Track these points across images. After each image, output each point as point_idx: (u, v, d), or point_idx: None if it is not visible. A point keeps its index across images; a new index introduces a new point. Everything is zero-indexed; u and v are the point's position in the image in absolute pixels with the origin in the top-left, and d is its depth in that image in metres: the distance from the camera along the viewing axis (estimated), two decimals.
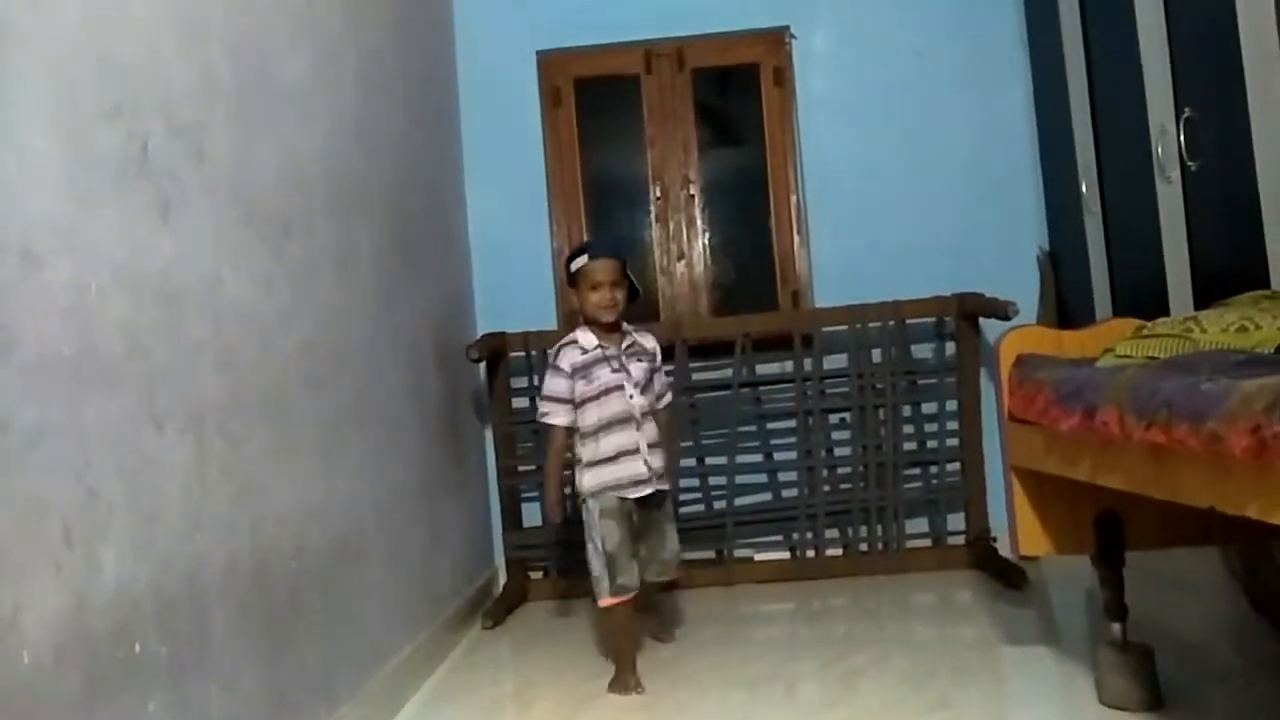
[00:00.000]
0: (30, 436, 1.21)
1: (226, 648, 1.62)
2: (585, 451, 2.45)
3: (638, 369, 2.46)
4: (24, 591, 1.17)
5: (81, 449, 1.31)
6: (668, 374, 2.73)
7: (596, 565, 2.43)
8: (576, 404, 2.45)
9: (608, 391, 2.43)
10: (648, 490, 2.44)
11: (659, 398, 2.56)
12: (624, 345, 2.48)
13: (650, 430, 2.46)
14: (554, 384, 2.47)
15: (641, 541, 2.48)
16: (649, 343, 2.55)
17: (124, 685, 1.34)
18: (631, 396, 2.43)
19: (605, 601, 2.43)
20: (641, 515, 2.47)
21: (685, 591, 3.20)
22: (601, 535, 2.41)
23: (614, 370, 2.44)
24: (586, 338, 2.46)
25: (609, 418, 2.43)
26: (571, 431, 2.48)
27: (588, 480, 2.44)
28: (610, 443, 2.42)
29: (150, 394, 1.48)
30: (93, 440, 1.33)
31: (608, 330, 2.48)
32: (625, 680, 2.39)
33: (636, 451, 2.42)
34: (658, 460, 2.46)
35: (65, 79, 1.35)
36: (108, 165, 1.43)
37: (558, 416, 2.47)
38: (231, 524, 1.68)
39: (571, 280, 2.49)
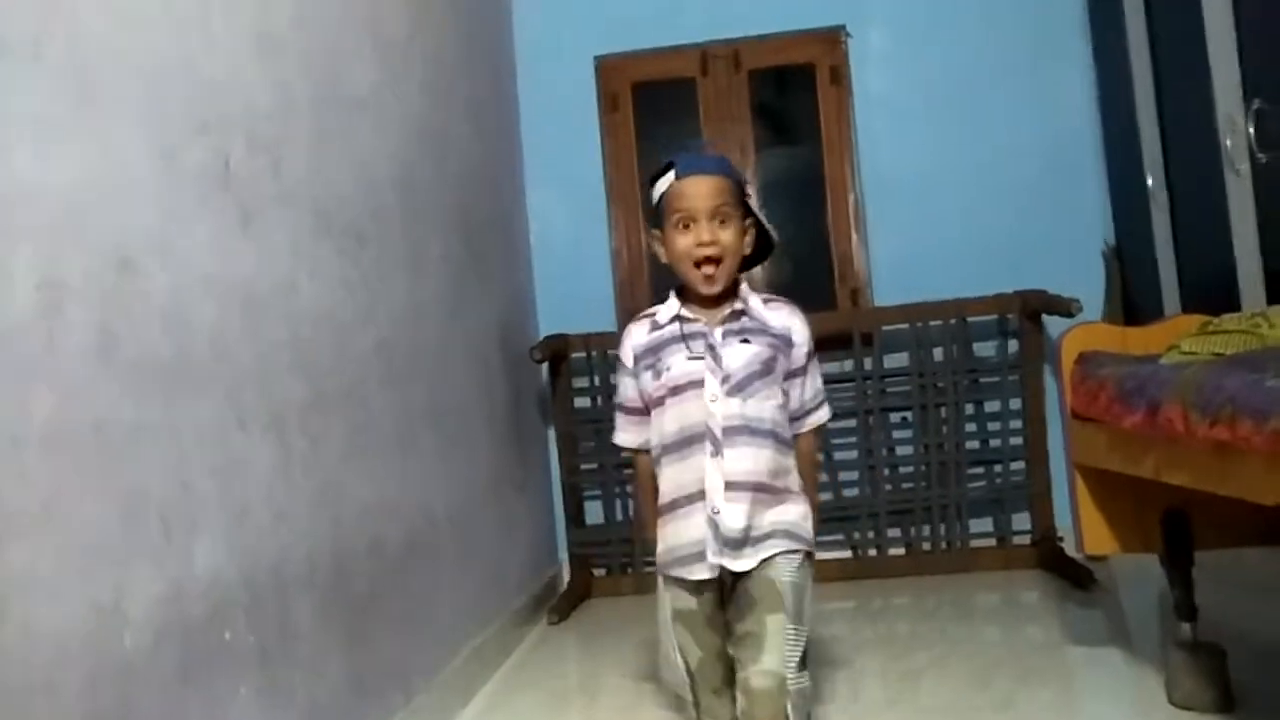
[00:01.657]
0: (130, 434, 1.29)
1: (310, 637, 1.70)
2: (660, 496, 1.59)
3: (738, 355, 1.52)
4: (126, 578, 1.26)
5: (176, 447, 1.39)
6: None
7: (670, 673, 1.61)
8: (650, 407, 1.61)
9: (678, 390, 1.53)
10: (706, 574, 1.50)
11: (802, 413, 1.62)
12: (723, 317, 1.56)
13: (744, 460, 1.50)
14: (619, 385, 1.67)
15: (733, 626, 1.54)
16: (779, 319, 1.57)
17: (217, 670, 1.42)
18: (713, 399, 1.50)
19: None
20: (735, 597, 1.54)
21: None
22: (678, 644, 1.58)
23: (691, 356, 1.53)
24: (668, 306, 1.60)
25: (674, 435, 1.54)
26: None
27: (659, 545, 1.59)
28: (670, 478, 1.54)
29: (237, 395, 1.56)
30: (186, 439, 1.41)
31: (709, 299, 1.56)
32: None
33: (700, 498, 1.49)
34: (742, 516, 1.48)
35: (157, 96, 1.43)
36: (195, 179, 1.52)
37: (625, 434, 1.67)
38: (313, 519, 1.76)
39: (656, 219, 1.60)
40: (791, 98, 3.90)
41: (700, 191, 1.52)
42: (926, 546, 3.39)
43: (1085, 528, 2.14)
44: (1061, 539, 3.20)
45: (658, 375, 1.56)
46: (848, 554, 3.44)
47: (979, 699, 2.17)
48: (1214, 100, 2.48)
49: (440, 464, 2.47)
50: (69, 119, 1.25)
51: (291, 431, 1.72)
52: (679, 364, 1.54)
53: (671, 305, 1.60)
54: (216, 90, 1.60)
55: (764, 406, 1.53)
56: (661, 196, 1.57)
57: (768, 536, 1.50)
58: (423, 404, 2.39)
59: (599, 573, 3.52)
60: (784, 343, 1.57)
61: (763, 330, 1.55)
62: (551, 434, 3.58)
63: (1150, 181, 3.01)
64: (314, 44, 1.99)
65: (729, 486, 1.48)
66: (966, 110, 3.59)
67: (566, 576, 3.52)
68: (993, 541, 3.38)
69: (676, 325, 1.57)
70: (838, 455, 3.47)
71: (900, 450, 3.44)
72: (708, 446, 1.49)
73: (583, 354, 3.48)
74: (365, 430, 2.04)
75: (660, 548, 1.57)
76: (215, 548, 1.45)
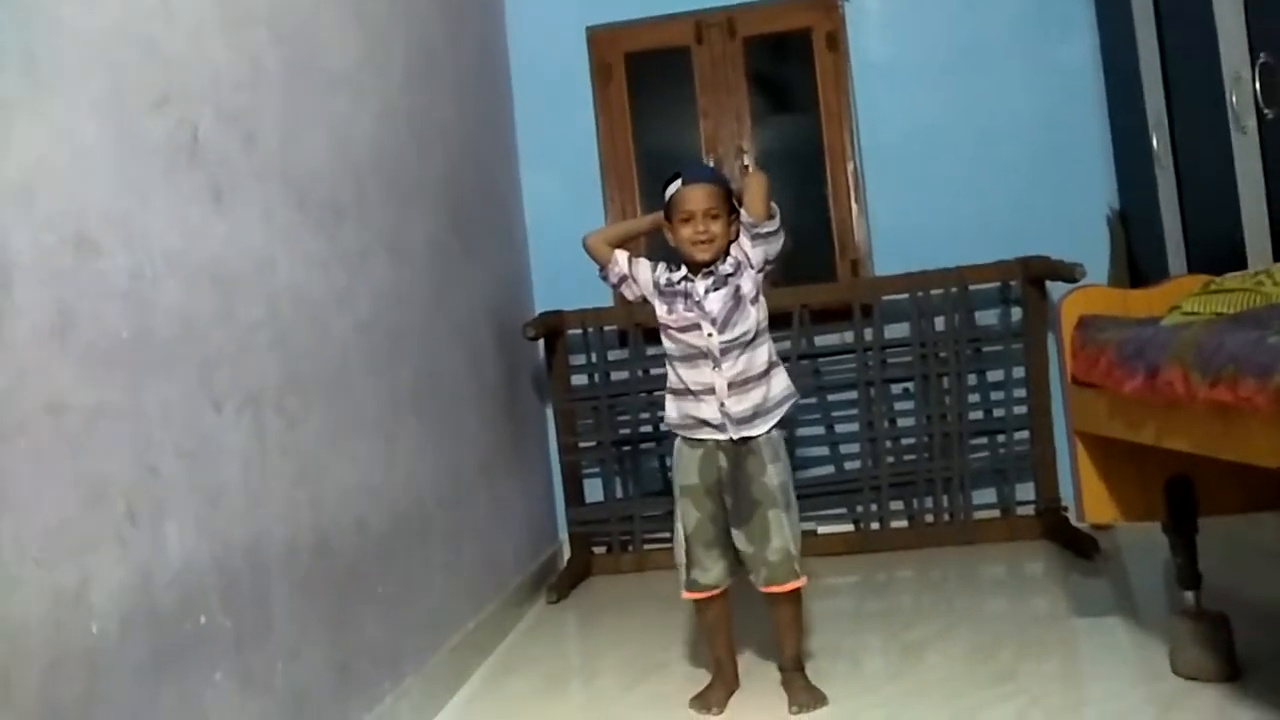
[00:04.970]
0: (89, 417, 1.26)
1: (289, 621, 1.67)
2: (669, 379, 2.22)
3: (715, 301, 2.12)
4: (90, 565, 1.22)
5: (141, 429, 1.35)
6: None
7: (679, 547, 2.16)
8: (660, 325, 2.19)
9: (684, 329, 2.15)
10: (722, 435, 2.12)
11: (759, 236, 2.13)
12: (704, 279, 2.14)
13: (735, 366, 2.11)
14: (644, 264, 2.22)
15: (741, 528, 2.12)
16: (730, 263, 2.14)
17: (190, 656, 1.39)
18: (710, 335, 2.12)
19: (683, 594, 2.17)
20: (734, 488, 2.12)
21: None
22: (681, 511, 2.15)
23: (688, 307, 2.14)
24: (680, 270, 2.18)
25: (688, 351, 2.15)
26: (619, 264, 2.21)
27: (669, 410, 2.20)
28: (687, 376, 2.16)
29: (208, 376, 1.52)
30: (152, 421, 1.37)
31: (700, 267, 2.15)
32: (706, 697, 2.12)
33: (712, 392, 2.12)
34: (740, 404, 2.11)
35: (113, 69, 1.38)
36: (159, 153, 1.47)
37: (617, 266, 2.21)
38: (291, 501, 1.73)
39: (668, 214, 2.16)
40: (788, 65, 3.82)
41: (698, 195, 2.10)
42: (929, 518, 3.35)
43: (1087, 496, 2.09)
44: (1065, 509, 3.16)
45: (670, 311, 2.17)
46: (850, 527, 3.40)
47: (983, 671, 2.14)
48: (1219, 55, 2.40)
49: (428, 445, 2.43)
50: (16, 93, 1.20)
51: (268, 412, 1.68)
52: (680, 311, 2.15)
53: (681, 270, 2.18)
54: (177, 62, 1.54)
55: (743, 326, 2.12)
56: (671, 198, 2.14)
57: (747, 420, 2.12)
58: (408, 384, 2.35)
59: (599, 551, 3.50)
60: (735, 269, 2.13)
61: (724, 277, 2.13)
62: (549, 412, 3.54)
63: (1155, 141, 2.94)
64: (286, 14, 1.94)
65: (730, 385, 2.11)
66: (967, 75, 3.52)
67: (566, 555, 3.49)
68: (996, 512, 3.34)
69: (684, 284, 2.16)
70: (839, 428, 3.42)
71: (902, 422, 3.39)
72: (711, 361, 2.13)
73: (579, 330, 3.44)
74: (347, 411, 2.00)
75: (673, 410, 2.19)
76: (186, 531, 1.41)
